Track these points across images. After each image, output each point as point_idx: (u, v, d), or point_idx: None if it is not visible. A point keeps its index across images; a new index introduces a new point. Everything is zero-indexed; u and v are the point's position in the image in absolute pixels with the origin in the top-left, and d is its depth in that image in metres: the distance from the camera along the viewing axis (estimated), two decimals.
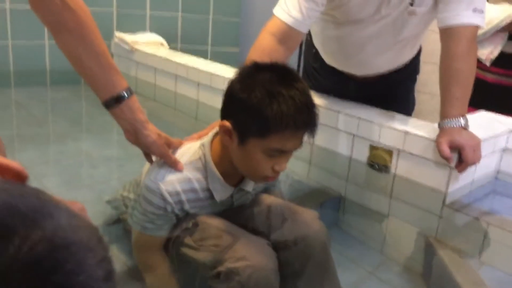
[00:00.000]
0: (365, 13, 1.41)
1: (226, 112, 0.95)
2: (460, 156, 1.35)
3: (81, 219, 0.38)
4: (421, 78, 1.84)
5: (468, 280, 1.12)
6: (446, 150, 1.32)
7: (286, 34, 1.35)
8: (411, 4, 1.37)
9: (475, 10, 1.32)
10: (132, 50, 2.81)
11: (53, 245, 0.33)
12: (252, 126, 0.89)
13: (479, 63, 1.89)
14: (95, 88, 0.96)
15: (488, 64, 1.92)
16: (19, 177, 0.43)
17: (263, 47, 1.34)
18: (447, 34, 1.35)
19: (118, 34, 2.92)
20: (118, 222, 1.21)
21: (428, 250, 1.31)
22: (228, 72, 2.24)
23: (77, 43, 0.92)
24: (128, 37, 2.86)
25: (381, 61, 1.60)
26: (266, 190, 1.17)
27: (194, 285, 1.04)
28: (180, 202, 0.96)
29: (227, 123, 0.92)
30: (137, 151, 1.05)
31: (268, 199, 1.11)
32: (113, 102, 0.96)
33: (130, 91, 0.98)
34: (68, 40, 0.93)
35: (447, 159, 1.33)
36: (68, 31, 0.92)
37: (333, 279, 1.07)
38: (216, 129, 1.03)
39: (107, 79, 0.95)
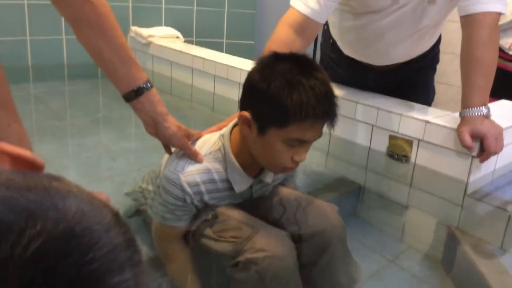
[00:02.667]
0: (383, 2, 1.40)
1: (245, 102, 0.94)
2: (481, 145, 1.33)
3: (96, 205, 0.36)
4: (439, 68, 1.82)
5: (492, 269, 1.11)
6: (467, 139, 1.30)
7: (304, 25, 1.34)
8: None
9: None
10: (148, 44, 2.82)
11: (54, 237, 0.31)
12: (272, 116, 0.88)
13: (501, 53, 1.86)
14: (115, 81, 0.96)
15: (511, 53, 1.88)
16: (33, 167, 0.40)
17: (281, 38, 1.33)
18: (469, 21, 1.33)
19: (134, 28, 2.93)
20: (138, 213, 1.22)
21: (450, 240, 1.30)
22: (244, 64, 2.23)
23: (97, 36, 0.93)
24: (144, 31, 2.87)
25: (400, 50, 1.58)
26: (284, 182, 1.17)
27: (212, 274, 1.04)
28: (199, 193, 0.96)
29: (246, 114, 0.92)
30: (156, 143, 1.05)
31: (286, 192, 1.11)
32: (133, 95, 0.96)
33: (150, 84, 0.98)
34: (88, 34, 0.93)
35: (468, 148, 1.32)
36: (88, 25, 0.92)
37: (347, 269, 1.08)
38: (235, 119, 1.02)
39: (127, 72, 0.95)
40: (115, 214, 0.37)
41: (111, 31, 0.94)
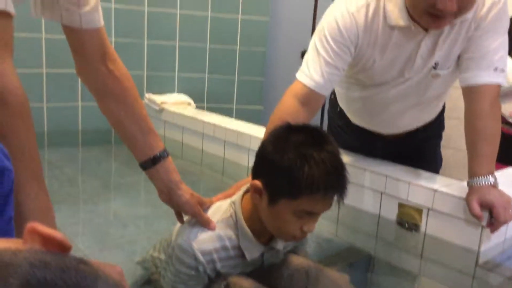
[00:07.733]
0: (388, 76, 1.45)
1: (258, 171, 0.97)
2: (491, 215, 1.33)
3: None
4: (445, 133, 1.85)
5: None
6: (476, 208, 1.31)
7: (308, 97, 1.39)
8: (435, 68, 1.41)
9: (496, 69, 1.35)
10: (161, 110, 2.90)
11: None
12: (283, 188, 0.91)
13: (502, 119, 1.89)
14: (134, 149, 1.00)
15: (511, 120, 1.92)
16: (62, 248, 0.41)
17: (286, 109, 1.38)
18: (470, 93, 1.38)
19: (147, 95, 3.03)
20: (148, 283, 1.21)
21: None
22: (254, 130, 2.28)
23: (120, 108, 0.98)
24: (157, 98, 2.96)
25: (405, 120, 1.62)
26: (295, 250, 1.17)
27: None
28: (212, 261, 0.97)
29: (258, 183, 0.95)
30: (166, 211, 1.07)
31: (298, 261, 1.11)
32: (150, 163, 1.00)
33: (166, 153, 1.02)
34: (111, 105, 0.98)
35: (478, 217, 1.32)
36: (112, 97, 0.97)
37: None
38: (245, 186, 1.05)
39: (145, 142, 1.00)
40: None
41: (132, 103, 0.99)
